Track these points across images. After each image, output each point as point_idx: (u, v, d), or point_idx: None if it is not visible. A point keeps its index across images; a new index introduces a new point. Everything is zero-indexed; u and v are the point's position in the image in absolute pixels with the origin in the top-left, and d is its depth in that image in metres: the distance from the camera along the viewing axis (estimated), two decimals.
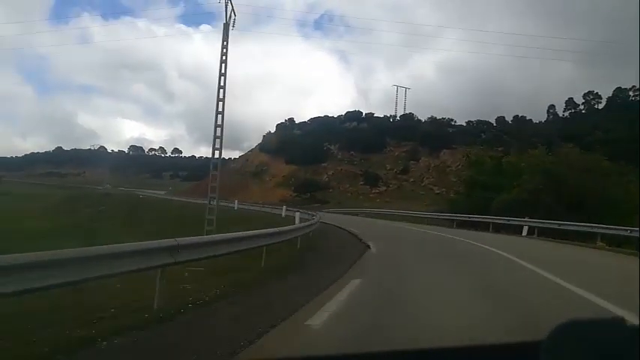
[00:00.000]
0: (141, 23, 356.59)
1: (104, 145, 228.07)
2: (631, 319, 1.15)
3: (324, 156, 79.26)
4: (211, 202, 20.59)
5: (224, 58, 19.84)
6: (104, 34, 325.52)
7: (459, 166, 79.11)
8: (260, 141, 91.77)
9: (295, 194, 64.57)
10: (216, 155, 19.47)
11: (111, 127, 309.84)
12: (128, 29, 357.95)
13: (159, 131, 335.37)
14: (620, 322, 1.01)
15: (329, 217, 30.62)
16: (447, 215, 30.24)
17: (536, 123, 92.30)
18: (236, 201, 47.89)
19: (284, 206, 38.64)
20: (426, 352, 1.32)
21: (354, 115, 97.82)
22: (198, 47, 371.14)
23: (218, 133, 18.92)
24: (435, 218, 31.68)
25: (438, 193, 69.74)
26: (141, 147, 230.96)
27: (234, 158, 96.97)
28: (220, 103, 18.93)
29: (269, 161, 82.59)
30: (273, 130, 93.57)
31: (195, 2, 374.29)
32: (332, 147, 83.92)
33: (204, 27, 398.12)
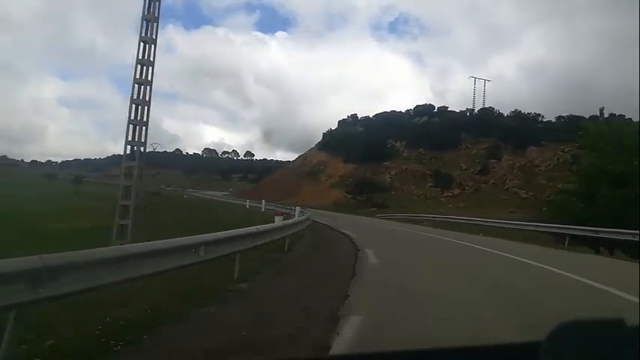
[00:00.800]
0: (220, 31, 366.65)
1: (180, 148, 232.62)
2: (630, 319, 1.04)
3: (388, 154, 68.61)
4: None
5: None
6: (187, 43, 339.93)
7: (550, 166, 65.43)
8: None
9: (350, 196, 54.88)
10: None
11: (192, 132, 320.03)
12: (208, 38, 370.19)
13: (237, 136, 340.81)
14: (619, 322, 0.99)
15: (380, 227, 21.40)
16: (551, 227, 19.14)
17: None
18: (263, 201, 39.20)
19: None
20: (426, 353, 1.25)
21: (424, 110, 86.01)
22: (274, 53, 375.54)
23: None
24: (530, 231, 20.73)
25: (524, 198, 56.76)
26: (215, 150, 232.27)
27: (291, 161, 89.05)
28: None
29: (327, 160, 73.45)
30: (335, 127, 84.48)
31: (272, 9, 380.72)
32: (397, 144, 73.03)
33: (280, 34, 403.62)
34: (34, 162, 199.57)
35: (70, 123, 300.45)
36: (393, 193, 57.64)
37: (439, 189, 60.95)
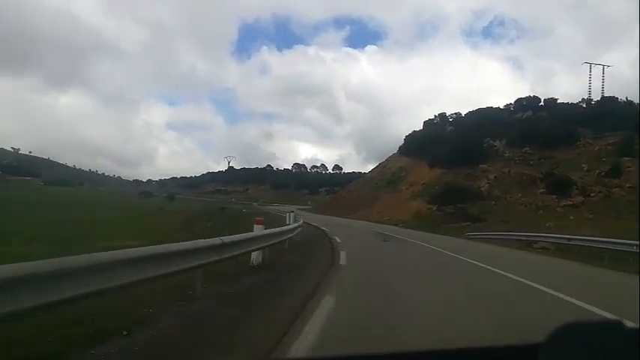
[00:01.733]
0: (311, 50, 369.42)
1: (271, 164, 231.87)
2: (630, 319, 1.10)
3: (484, 155, 55.18)
4: None
5: None
6: (280, 64, 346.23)
7: None
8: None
9: (434, 207, 42.93)
10: None
11: (288, 150, 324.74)
12: (300, 57, 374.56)
13: (329, 152, 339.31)
14: (618, 324, 0.97)
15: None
16: None
17: None
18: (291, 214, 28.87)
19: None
20: (424, 354, 1.26)
21: (528, 103, 70.80)
22: (364, 68, 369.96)
23: None
24: None
25: None
26: (304, 165, 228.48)
27: (371, 170, 78.19)
28: None
29: (409, 166, 61.64)
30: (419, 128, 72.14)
31: (361, 23, 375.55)
32: (496, 143, 59.23)
33: (370, 48, 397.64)
34: (135, 181, 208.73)
35: (176, 145, 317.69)
36: (493, 202, 44.41)
37: (554, 196, 46.45)
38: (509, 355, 1.17)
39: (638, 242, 12.59)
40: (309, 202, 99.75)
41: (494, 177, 50.50)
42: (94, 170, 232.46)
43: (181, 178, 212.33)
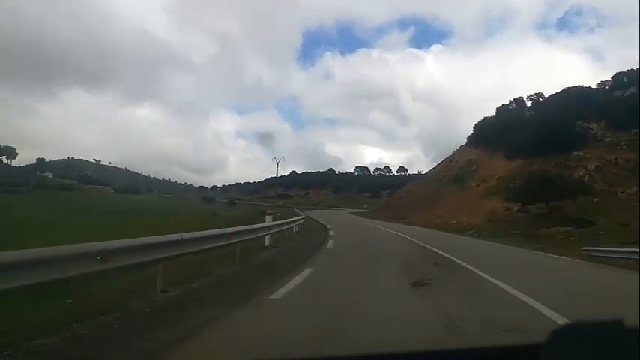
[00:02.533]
0: (375, 53, 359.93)
1: (332, 168, 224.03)
2: (630, 319, 1.03)
3: (579, 140, 42.99)
4: None
5: None
6: (343, 68, 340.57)
7: None
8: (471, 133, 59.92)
9: (516, 207, 32.14)
10: None
11: (353, 154, 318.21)
12: (364, 60, 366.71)
13: (395, 155, 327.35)
14: (619, 323, 0.98)
15: None
16: None
17: None
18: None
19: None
20: (423, 354, 1.26)
21: (629, 78, 56.76)
22: (430, 68, 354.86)
23: None
24: None
25: None
26: (367, 167, 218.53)
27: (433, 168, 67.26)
28: None
29: (480, 158, 50.46)
30: (491, 114, 60.07)
31: (426, 23, 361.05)
32: (592, 126, 46.65)
33: (435, 47, 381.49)
34: (201, 188, 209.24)
35: (244, 152, 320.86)
36: (596, 199, 32.77)
37: None
38: (510, 355, 1.14)
39: None
40: (365, 206, 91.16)
41: (596, 166, 38.40)
42: (167, 179, 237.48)
43: (245, 183, 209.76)
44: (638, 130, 41.14)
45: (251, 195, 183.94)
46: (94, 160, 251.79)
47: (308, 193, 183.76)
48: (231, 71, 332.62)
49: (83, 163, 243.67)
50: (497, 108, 59.38)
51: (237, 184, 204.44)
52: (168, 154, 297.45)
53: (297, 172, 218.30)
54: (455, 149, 62.57)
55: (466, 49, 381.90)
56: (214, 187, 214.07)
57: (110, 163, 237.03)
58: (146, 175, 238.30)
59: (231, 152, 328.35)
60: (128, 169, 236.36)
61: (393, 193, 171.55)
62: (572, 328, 0.98)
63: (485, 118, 57.73)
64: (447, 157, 62.72)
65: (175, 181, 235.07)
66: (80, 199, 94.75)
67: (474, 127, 58.14)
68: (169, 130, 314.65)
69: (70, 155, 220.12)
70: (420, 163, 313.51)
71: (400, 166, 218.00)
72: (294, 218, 21.22)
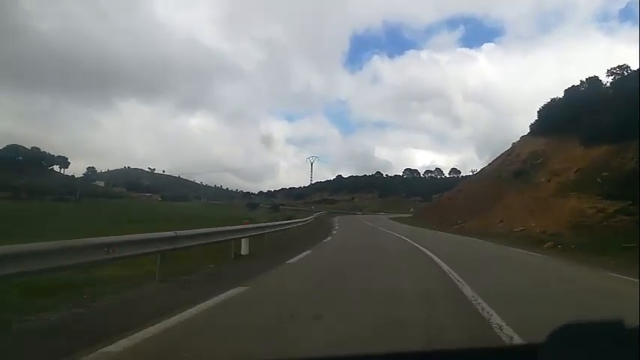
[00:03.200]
0: (424, 54, 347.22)
1: (380, 171, 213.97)
2: (630, 319, 1.00)
3: None
4: None
5: None
6: (392, 71, 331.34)
7: None
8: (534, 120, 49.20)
9: (615, 206, 22.11)
10: None
11: (403, 158, 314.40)
12: (413, 62, 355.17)
13: (448, 157, 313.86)
14: (619, 323, 0.97)
15: None
16: None
17: None
18: None
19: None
20: (423, 354, 1.25)
21: None
22: (482, 67, 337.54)
23: None
24: None
25: None
26: (416, 170, 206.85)
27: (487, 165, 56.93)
28: None
29: (548, 149, 40.11)
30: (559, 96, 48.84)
31: (476, 21, 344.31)
32: None
33: (487, 46, 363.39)
34: (247, 193, 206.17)
35: (294, 158, 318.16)
36: None
37: None
38: (510, 355, 1.11)
39: None
40: (411, 210, 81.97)
41: None
42: (219, 186, 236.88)
43: (290, 188, 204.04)
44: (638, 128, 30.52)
45: (296, 200, 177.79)
46: (149, 168, 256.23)
47: (353, 198, 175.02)
48: (280, 78, 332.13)
49: (139, 172, 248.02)
50: (565, 90, 48.42)
51: (282, 189, 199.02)
52: (220, 161, 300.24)
53: (344, 175, 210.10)
54: (513, 142, 52.14)
55: (520, 47, 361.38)
56: (260, 192, 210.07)
57: (164, 171, 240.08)
58: (198, 182, 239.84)
59: (280, 158, 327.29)
60: (181, 176, 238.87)
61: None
62: (572, 328, 0.95)
63: (552, 100, 46.94)
64: (506, 151, 52.35)
65: (227, 188, 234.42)
66: (122, 206, 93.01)
67: (538, 112, 47.58)
68: (221, 138, 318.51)
69: (126, 164, 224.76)
70: (474, 165, 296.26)
71: (452, 168, 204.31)
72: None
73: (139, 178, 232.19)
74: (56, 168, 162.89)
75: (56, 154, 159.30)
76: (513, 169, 41.37)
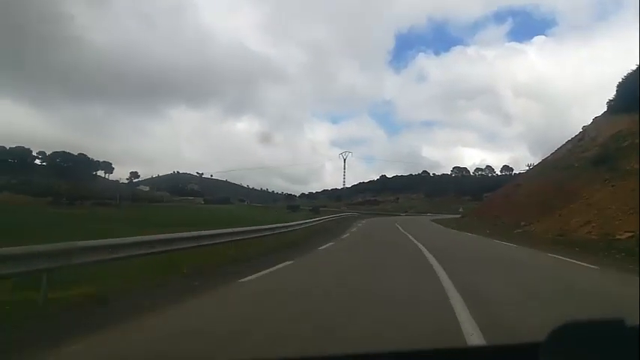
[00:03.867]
0: (470, 50, 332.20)
1: (427, 170, 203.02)
2: (630, 319, 1.00)
3: None
4: None
5: None
6: (438, 68, 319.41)
7: None
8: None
9: None
10: None
11: (452, 157, 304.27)
12: (459, 58, 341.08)
13: (498, 155, 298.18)
14: (619, 322, 0.97)
15: None
16: None
17: None
18: None
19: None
20: (424, 354, 1.25)
21: None
22: (533, 60, 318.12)
23: None
24: None
25: None
26: (465, 168, 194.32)
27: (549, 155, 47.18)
28: None
29: (635, 126, 30.90)
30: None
31: (526, 14, 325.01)
32: None
33: (538, 38, 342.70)
34: (289, 196, 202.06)
35: (339, 161, 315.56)
36: None
37: None
38: (510, 355, 1.11)
39: None
40: (460, 209, 72.92)
41: None
42: (265, 189, 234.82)
43: (332, 190, 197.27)
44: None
45: (337, 201, 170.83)
46: (197, 173, 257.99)
47: (398, 199, 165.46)
48: (324, 80, 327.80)
49: (187, 177, 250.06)
50: None
51: (324, 190, 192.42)
52: (267, 165, 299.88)
53: (388, 175, 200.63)
54: (584, 126, 42.42)
55: (574, 37, 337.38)
56: (302, 194, 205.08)
57: (212, 175, 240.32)
58: (245, 186, 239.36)
59: (326, 160, 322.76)
60: (228, 180, 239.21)
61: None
62: (572, 328, 0.94)
63: (631, 72, 37.10)
64: (575, 136, 42.68)
65: (272, 191, 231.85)
66: (159, 209, 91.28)
67: (617, 88, 37.88)
68: (267, 141, 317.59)
69: (176, 169, 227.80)
70: (526, 163, 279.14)
71: (504, 165, 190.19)
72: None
73: (187, 182, 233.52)
74: (101, 173, 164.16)
75: (101, 160, 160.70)
76: (590, 156, 32.15)
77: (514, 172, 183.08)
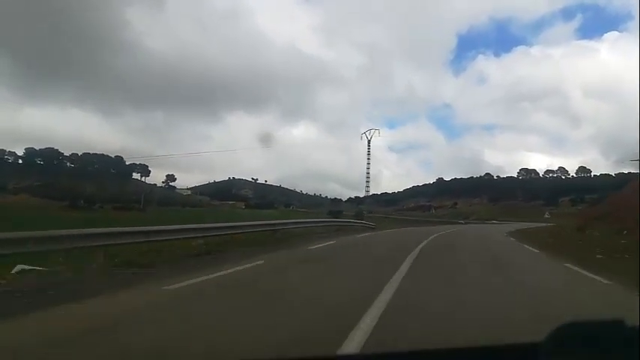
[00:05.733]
0: (534, 50, 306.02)
1: (490, 172, 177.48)
2: (630, 319, 1.00)
3: None
4: None
5: None
6: (499, 70, 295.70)
7: None
8: None
9: None
10: None
11: (515, 161, 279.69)
12: (522, 59, 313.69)
13: (565, 160, 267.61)
14: (619, 322, 0.96)
15: None
16: None
17: None
18: None
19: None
20: (424, 354, 1.23)
21: None
22: (605, 58, 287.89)
23: None
24: None
25: None
26: (534, 170, 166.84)
27: None
28: None
29: None
30: None
31: (596, 9, 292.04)
32: None
33: (610, 35, 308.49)
34: (335, 200, 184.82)
35: (396, 166, 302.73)
36: None
37: None
38: (510, 355, 1.09)
39: None
40: (546, 216, 51.90)
41: None
42: (319, 194, 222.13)
43: (382, 194, 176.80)
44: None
45: (386, 207, 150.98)
46: (252, 179, 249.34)
47: (456, 204, 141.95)
48: (381, 83, 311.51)
49: (242, 182, 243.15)
50: None
51: (373, 194, 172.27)
52: (322, 170, 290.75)
53: (445, 178, 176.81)
54: None
55: None
56: (349, 198, 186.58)
57: (266, 181, 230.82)
58: (298, 191, 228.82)
59: (383, 166, 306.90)
60: (282, 186, 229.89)
61: (576, 200, 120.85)
62: (572, 328, 0.93)
63: None
64: None
65: (326, 196, 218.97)
66: (184, 213, 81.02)
67: None
68: (323, 147, 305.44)
69: (231, 175, 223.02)
70: (600, 168, 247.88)
71: (580, 166, 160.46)
72: None
73: (241, 188, 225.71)
74: (137, 177, 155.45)
75: (138, 162, 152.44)
76: None
77: (592, 173, 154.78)
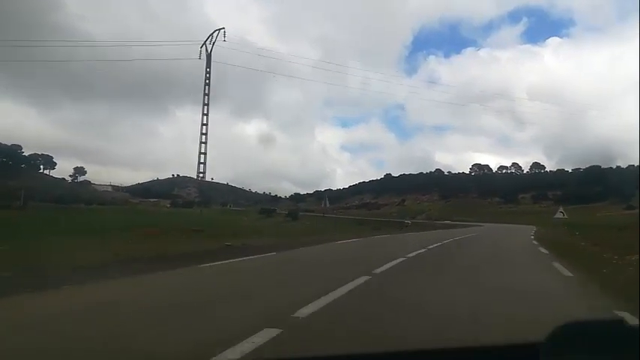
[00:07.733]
0: (483, 52, 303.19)
1: (440, 168, 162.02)
2: (630, 319, 0.98)
3: None
4: None
5: None
6: (449, 71, 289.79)
7: None
8: None
9: None
10: None
11: (463, 162, 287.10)
12: (471, 61, 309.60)
13: (512, 160, 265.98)
14: (619, 322, 0.95)
15: None
16: None
17: None
18: None
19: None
20: (425, 353, 1.21)
21: None
22: (548, 63, 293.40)
23: None
24: None
25: None
26: (487, 165, 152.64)
27: None
28: None
29: None
30: None
31: (541, 14, 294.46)
32: None
33: (552, 40, 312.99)
34: (274, 197, 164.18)
35: (349, 165, 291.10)
36: None
37: None
38: (510, 354, 1.07)
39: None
40: (561, 211, 32.78)
41: None
42: (268, 193, 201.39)
43: (326, 190, 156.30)
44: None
45: (331, 204, 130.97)
46: (197, 176, 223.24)
47: (404, 201, 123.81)
48: (335, 83, 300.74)
49: (187, 180, 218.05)
50: None
51: (316, 191, 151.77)
52: (275, 169, 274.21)
53: (393, 174, 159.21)
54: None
55: (592, 38, 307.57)
56: (291, 196, 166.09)
57: (212, 179, 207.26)
58: (247, 189, 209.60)
59: (336, 165, 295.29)
60: (230, 184, 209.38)
61: (537, 197, 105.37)
62: (573, 327, 0.92)
63: None
64: None
65: (276, 195, 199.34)
66: (65, 213, 57.70)
67: None
68: (276, 145, 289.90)
69: (177, 173, 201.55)
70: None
71: (534, 162, 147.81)
72: None
73: (185, 185, 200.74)
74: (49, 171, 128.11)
75: (40, 153, 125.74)
76: None
77: (547, 169, 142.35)
